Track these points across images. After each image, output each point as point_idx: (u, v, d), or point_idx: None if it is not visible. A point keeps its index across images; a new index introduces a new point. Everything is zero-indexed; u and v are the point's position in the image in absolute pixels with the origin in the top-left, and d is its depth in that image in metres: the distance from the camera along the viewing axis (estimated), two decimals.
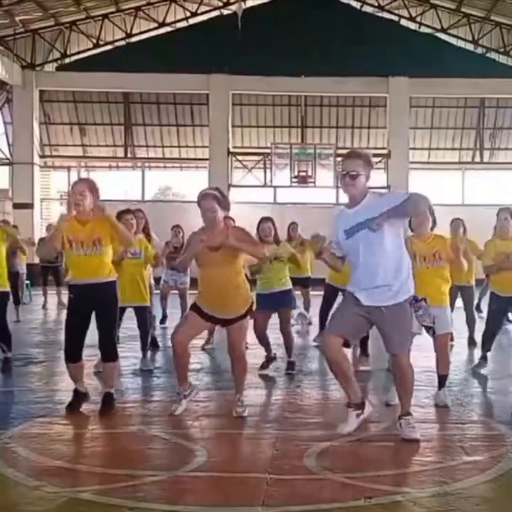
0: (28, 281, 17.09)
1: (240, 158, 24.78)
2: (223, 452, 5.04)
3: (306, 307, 12.31)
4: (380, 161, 24.74)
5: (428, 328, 5.82)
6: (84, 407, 6.12)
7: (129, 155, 26.00)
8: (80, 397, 6.09)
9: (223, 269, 5.74)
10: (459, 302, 9.85)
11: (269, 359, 7.99)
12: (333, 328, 5.26)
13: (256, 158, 24.56)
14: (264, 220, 7.99)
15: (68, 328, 6.02)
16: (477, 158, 25.95)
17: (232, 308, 5.81)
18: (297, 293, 12.49)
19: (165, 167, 26.88)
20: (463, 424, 5.79)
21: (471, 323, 10.07)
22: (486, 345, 7.96)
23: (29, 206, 23.64)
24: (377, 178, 24.54)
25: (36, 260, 22.30)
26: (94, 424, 5.72)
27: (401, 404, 5.35)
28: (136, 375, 7.74)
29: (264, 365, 7.92)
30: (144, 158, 26.33)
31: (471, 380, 7.50)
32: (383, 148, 24.87)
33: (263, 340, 7.93)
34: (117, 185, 25.54)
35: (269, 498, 3.97)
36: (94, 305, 5.93)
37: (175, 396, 6.14)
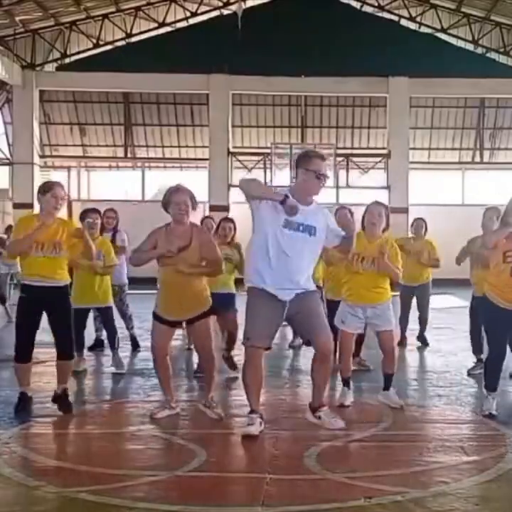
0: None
1: (240, 158, 24.76)
2: (223, 452, 5.04)
3: None
4: (380, 161, 24.76)
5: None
6: (84, 407, 6.13)
7: (129, 155, 25.99)
8: (27, 400, 6.00)
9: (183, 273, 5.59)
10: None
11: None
12: (257, 339, 5.23)
13: (256, 158, 24.54)
14: (226, 220, 8.09)
15: (20, 328, 5.95)
16: (477, 158, 25.94)
17: (188, 311, 5.68)
18: None
19: (165, 167, 26.85)
20: (463, 424, 5.80)
21: (422, 321, 9.86)
22: (477, 348, 7.97)
23: (29, 206, 23.55)
24: (378, 178, 24.58)
25: None
26: (94, 424, 5.72)
27: (318, 397, 5.43)
28: (136, 375, 7.73)
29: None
30: (144, 158, 26.32)
31: (471, 380, 7.50)
32: (383, 148, 24.86)
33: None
34: (117, 185, 25.54)
35: (269, 498, 3.97)
36: (47, 307, 5.89)
37: (163, 401, 6.05)
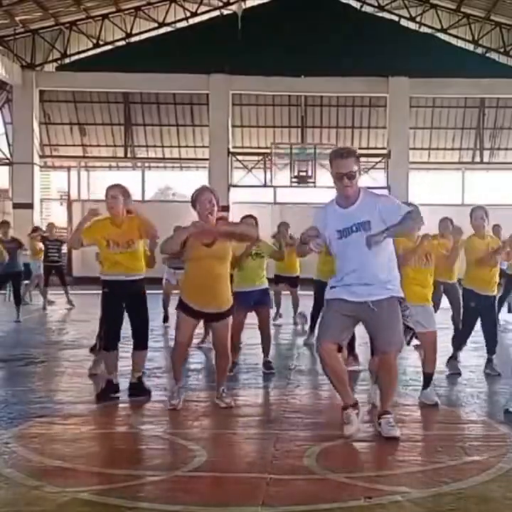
0: (27, 281, 17.02)
1: (240, 158, 24.77)
2: (223, 452, 5.03)
3: (295, 307, 12.34)
4: (380, 161, 24.76)
5: (409, 331, 5.55)
6: (84, 407, 6.13)
7: (129, 155, 26.01)
8: (112, 387, 6.42)
9: (216, 263, 5.91)
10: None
11: (233, 364, 7.35)
12: (325, 335, 5.23)
13: (256, 158, 24.55)
14: (248, 217, 8.19)
15: (109, 318, 6.51)
16: (477, 158, 25.95)
17: (220, 303, 5.95)
18: (286, 293, 12.60)
19: (165, 167, 26.88)
20: (463, 424, 5.80)
21: (457, 322, 9.85)
22: (459, 345, 8.06)
23: (29, 206, 23.64)
24: (378, 178, 24.57)
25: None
26: (94, 424, 5.72)
27: (382, 403, 5.36)
28: None
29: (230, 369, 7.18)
30: (144, 158, 26.33)
31: (471, 380, 7.50)
32: (383, 148, 24.87)
33: (236, 337, 7.37)
34: None
35: (269, 498, 3.97)
36: (126, 298, 6.40)
37: (172, 394, 6.16)
